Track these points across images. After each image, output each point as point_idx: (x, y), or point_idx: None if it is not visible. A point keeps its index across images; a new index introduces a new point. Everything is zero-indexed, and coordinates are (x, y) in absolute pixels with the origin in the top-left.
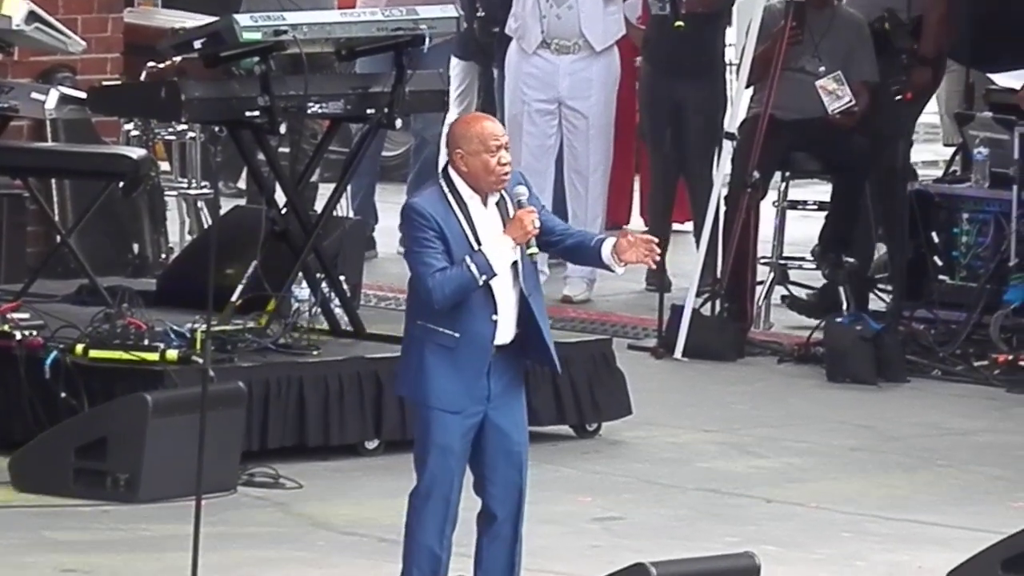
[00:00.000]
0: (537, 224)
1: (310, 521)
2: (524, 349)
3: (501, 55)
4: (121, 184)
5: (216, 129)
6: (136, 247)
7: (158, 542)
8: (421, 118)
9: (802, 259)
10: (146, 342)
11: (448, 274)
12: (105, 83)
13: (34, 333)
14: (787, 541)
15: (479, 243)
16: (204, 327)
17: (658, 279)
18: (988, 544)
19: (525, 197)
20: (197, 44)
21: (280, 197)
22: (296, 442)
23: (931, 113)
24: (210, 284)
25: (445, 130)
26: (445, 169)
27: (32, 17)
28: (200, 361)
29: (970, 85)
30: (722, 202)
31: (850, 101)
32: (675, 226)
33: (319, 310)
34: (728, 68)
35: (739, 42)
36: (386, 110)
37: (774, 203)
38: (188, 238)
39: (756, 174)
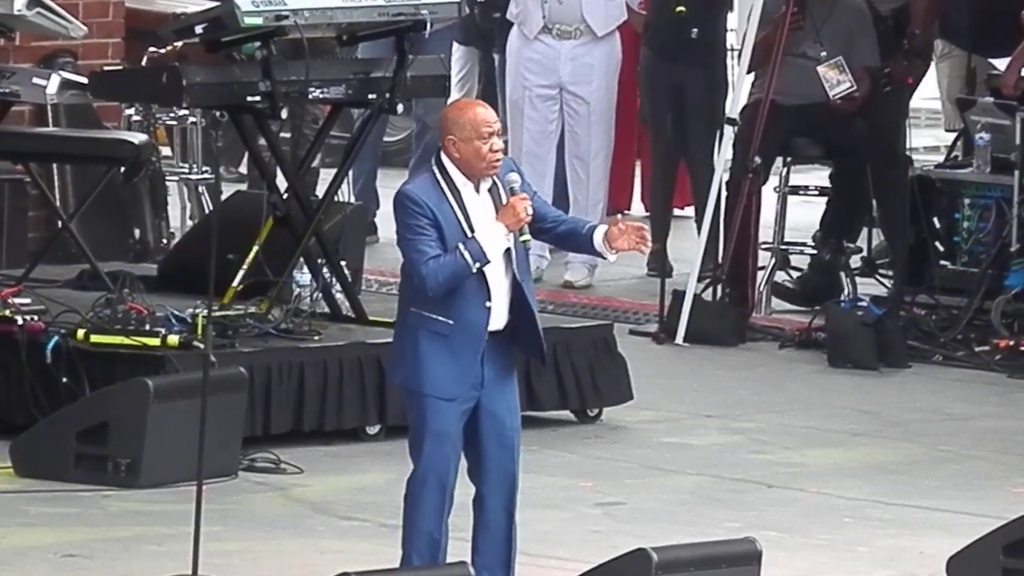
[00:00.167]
0: (530, 211)
1: (311, 506)
2: (514, 336)
3: (502, 40)
4: (122, 169)
5: (217, 114)
6: (137, 232)
7: (159, 527)
8: (423, 103)
9: (803, 244)
10: (147, 327)
11: (442, 261)
12: (106, 68)
13: (35, 318)
14: (788, 526)
15: (472, 230)
16: (205, 312)
17: (659, 264)
18: (989, 529)
19: (518, 184)
20: (198, 29)
21: (281, 182)
22: (297, 427)
23: (932, 98)
24: (211, 269)
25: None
26: (438, 155)
27: (33, 2)
28: (201, 346)
29: (971, 70)
30: (723, 187)
31: (851, 86)
32: (676, 211)
33: (320, 295)
34: (729, 53)
35: (740, 27)
36: (387, 95)
37: (775, 188)
38: (189, 223)
39: (757, 159)
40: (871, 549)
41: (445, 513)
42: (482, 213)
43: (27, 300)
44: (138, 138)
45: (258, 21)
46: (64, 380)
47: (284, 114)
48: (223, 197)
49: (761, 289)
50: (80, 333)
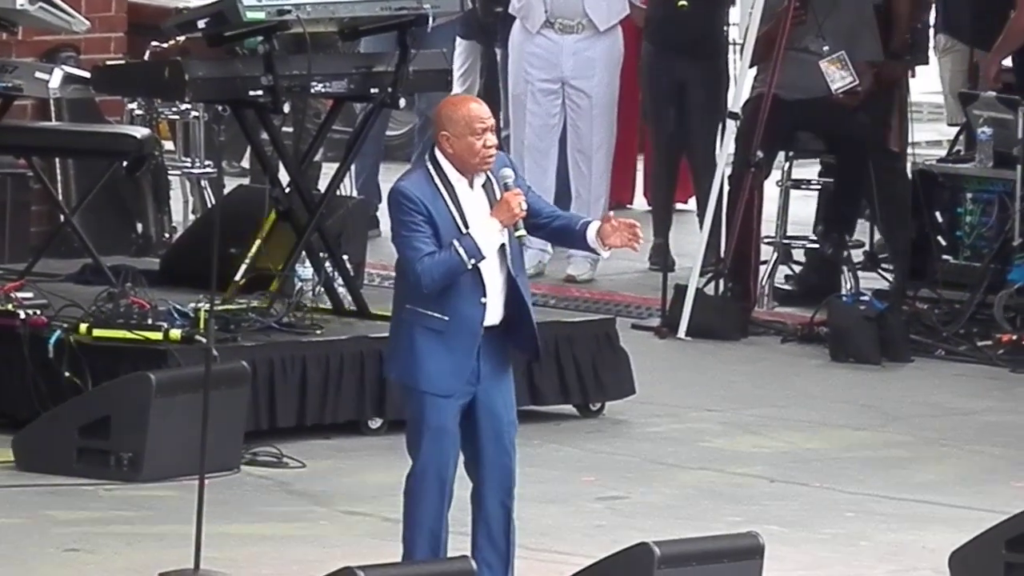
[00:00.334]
0: (524, 206)
1: (313, 500)
2: (508, 332)
3: (504, 35)
4: (125, 163)
5: (220, 108)
6: (140, 226)
7: (161, 521)
8: (425, 97)
9: (805, 238)
10: (150, 321)
11: (437, 258)
12: (109, 62)
13: (38, 312)
14: (791, 521)
15: (467, 225)
16: (207, 306)
17: (662, 259)
18: (992, 524)
19: (511, 179)
20: (200, 23)
21: (284, 176)
22: (299, 421)
23: (935, 93)
24: (214, 263)
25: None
26: (432, 151)
27: None
28: (203, 340)
29: (974, 64)
30: (725, 182)
31: (854, 81)
32: (678, 205)
33: (322, 289)
34: (731, 48)
35: (743, 22)
36: (390, 89)
37: (777, 183)
38: (191, 217)
39: (760, 154)
40: (873, 543)
41: (445, 508)
42: (476, 209)
43: (29, 294)
44: (140, 132)
45: (260, 15)
46: (66, 374)
47: (286, 108)
48: (225, 191)
49: (763, 283)
50: (82, 327)
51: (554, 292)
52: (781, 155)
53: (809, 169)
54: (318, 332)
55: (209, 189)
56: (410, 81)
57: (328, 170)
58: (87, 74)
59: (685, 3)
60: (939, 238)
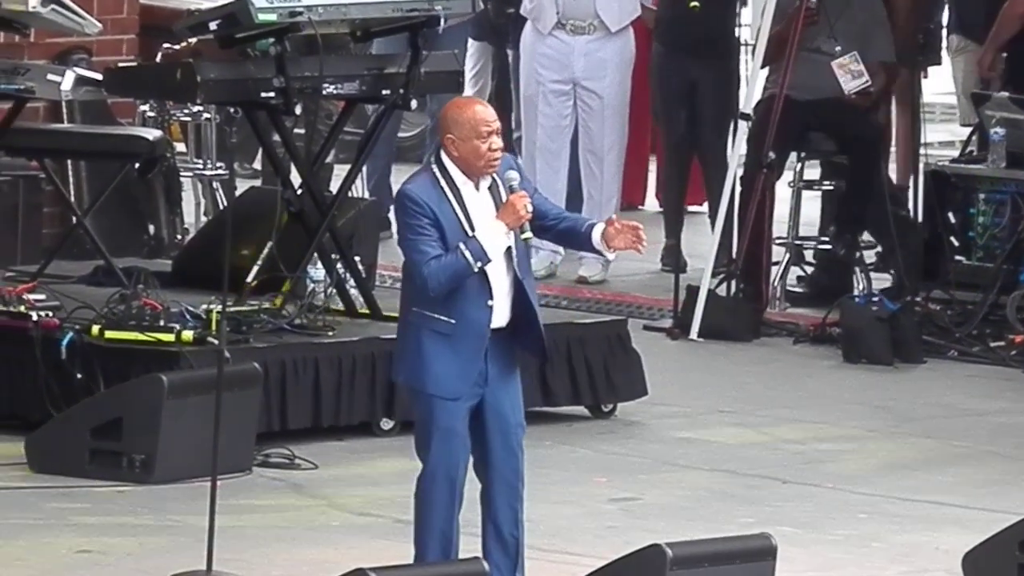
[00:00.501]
0: (530, 208)
1: (325, 502)
2: (515, 334)
3: (516, 36)
4: (137, 165)
5: (231, 110)
6: (152, 228)
7: (173, 523)
8: (437, 99)
9: (817, 239)
10: (162, 323)
11: (443, 262)
12: (121, 65)
13: (50, 314)
14: (804, 522)
15: (473, 228)
16: (220, 308)
17: (674, 260)
18: (1005, 525)
19: (517, 182)
20: (212, 25)
21: (295, 178)
22: (312, 423)
23: (947, 93)
24: (225, 265)
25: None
26: (438, 154)
27: None
28: (216, 342)
29: None
30: (737, 182)
31: (866, 81)
32: (690, 207)
33: (334, 291)
34: (743, 48)
35: (755, 22)
36: (401, 91)
37: (789, 183)
38: (203, 219)
39: (772, 154)
40: (886, 545)
41: (456, 509)
42: (482, 211)
43: (42, 296)
44: (152, 134)
45: (272, 17)
46: (79, 376)
47: (298, 110)
48: (237, 193)
49: (775, 284)
50: (95, 329)
51: (566, 293)
52: (793, 156)
53: (816, 170)
54: (330, 334)
55: (221, 191)
56: (422, 82)
57: (340, 171)
58: (99, 76)
59: (697, 3)
60: (952, 239)
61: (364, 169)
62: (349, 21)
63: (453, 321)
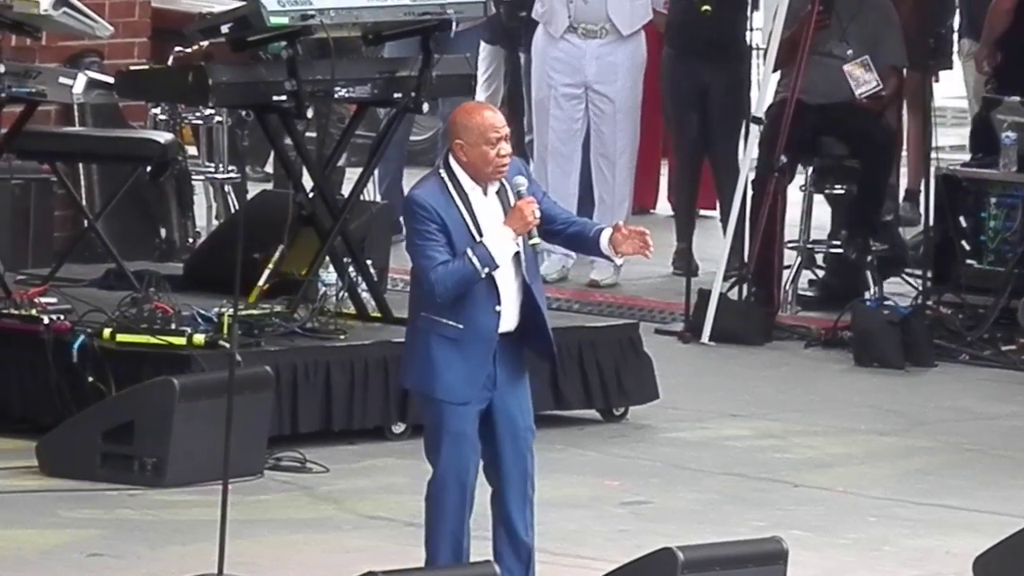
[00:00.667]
0: (537, 214)
1: (336, 505)
2: (524, 338)
3: (528, 39)
4: (148, 168)
5: (243, 113)
6: (163, 231)
7: (185, 526)
8: (449, 102)
9: (829, 243)
10: (173, 326)
11: (450, 267)
12: (132, 68)
13: (62, 317)
14: (815, 526)
15: (480, 233)
16: (231, 311)
17: (685, 263)
18: (1017, 528)
19: (524, 187)
20: (224, 28)
21: (307, 181)
22: (323, 426)
23: (959, 97)
24: (237, 268)
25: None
26: (446, 159)
27: (60, 2)
28: (227, 345)
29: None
30: (749, 186)
31: (877, 85)
32: (701, 211)
33: (346, 294)
34: (756, 52)
35: (766, 26)
36: (413, 94)
37: (801, 187)
38: (215, 222)
39: (783, 158)
40: (897, 548)
41: (466, 513)
42: (490, 216)
43: (53, 299)
44: (164, 137)
45: (284, 20)
46: (90, 379)
47: (310, 113)
48: (249, 196)
49: (787, 288)
50: (106, 332)
51: (577, 297)
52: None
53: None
54: (342, 337)
55: (233, 194)
56: (433, 86)
57: (352, 175)
58: (111, 79)
59: (708, 7)
60: (963, 243)
61: (376, 173)
62: (361, 24)
63: (461, 326)
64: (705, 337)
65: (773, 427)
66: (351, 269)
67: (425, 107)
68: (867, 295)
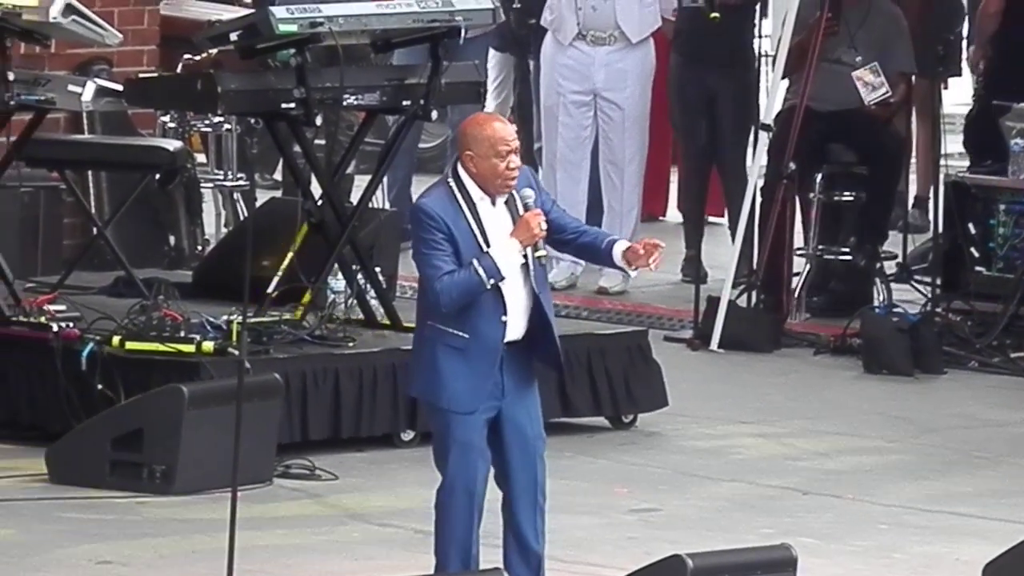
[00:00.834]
0: (544, 227)
1: (346, 512)
2: (531, 347)
3: (537, 46)
4: (157, 176)
5: (252, 121)
6: (172, 239)
7: (194, 533)
8: (458, 110)
9: (838, 250)
10: (182, 334)
11: (456, 278)
12: (141, 75)
13: (71, 325)
14: (824, 533)
15: (488, 244)
16: (240, 319)
17: (694, 270)
18: None
19: (532, 200)
20: (233, 36)
21: (316, 189)
22: (332, 434)
23: (968, 104)
24: (246, 276)
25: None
26: (455, 168)
27: (69, 10)
28: (236, 353)
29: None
30: (758, 193)
31: (886, 92)
32: (711, 218)
33: (355, 302)
34: (764, 59)
35: (775, 33)
36: (422, 102)
37: (810, 195)
38: (224, 230)
39: (792, 165)
40: (907, 556)
41: (475, 521)
42: (498, 227)
43: (62, 307)
44: (173, 145)
45: (293, 28)
46: (99, 387)
47: (318, 121)
48: (258, 204)
49: (796, 295)
50: (115, 340)
51: (586, 304)
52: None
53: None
54: (350, 344)
55: (242, 202)
56: (442, 93)
57: (360, 182)
58: (120, 87)
59: (717, 15)
60: (972, 249)
61: (384, 180)
62: (370, 32)
63: (467, 336)
64: (714, 344)
65: (782, 434)
66: (360, 276)
67: (434, 114)
68: (876, 302)
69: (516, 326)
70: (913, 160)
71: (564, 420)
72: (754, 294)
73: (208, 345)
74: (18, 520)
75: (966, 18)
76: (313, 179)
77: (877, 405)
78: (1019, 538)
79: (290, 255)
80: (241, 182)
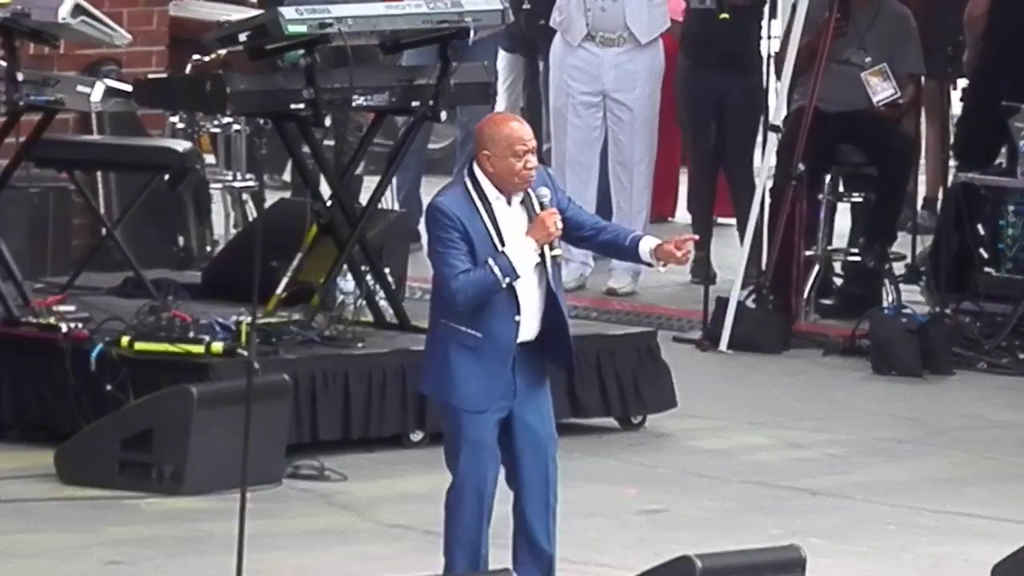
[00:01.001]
0: (560, 226)
1: (355, 513)
2: (544, 347)
3: (547, 48)
4: (166, 177)
5: (261, 122)
6: (181, 240)
7: (203, 534)
8: (467, 111)
9: (847, 251)
10: (191, 334)
11: (471, 276)
12: (150, 76)
13: (80, 326)
14: (833, 534)
15: (503, 243)
16: (249, 319)
17: (703, 271)
18: None
19: (548, 199)
20: (242, 37)
21: (325, 190)
22: (341, 434)
23: None
24: (255, 276)
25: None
26: (471, 167)
27: (78, 10)
28: (245, 353)
29: None
30: (767, 194)
31: (895, 93)
32: (720, 219)
33: (364, 302)
34: (771, 60)
35: (793, 35)
36: (431, 103)
37: (820, 195)
38: (233, 231)
39: (801, 166)
40: (916, 556)
41: (485, 521)
42: (513, 226)
43: (71, 308)
44: (182, 146)
45: (302, 29)
46: (108, 387)
47: (328, 122)
48: (267, 205)
49: (805, 296)
50: (124, 340)
51: (595, 305)
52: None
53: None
54: (360, 345)
55: (251, 202)
56: (451, 94)
57: (369, 183)
58: (129, 87)
59: (727, 15)
60: (981, 251)
61: (394, 181)
62: (379, 33)
63: (480, 335)
64: (723, 345)
65: (791, 435)
66: (369, 277)
67: (443, 115)
68: (885, 303)
69: (529, 326)
70: (922, 161)
71: (573, 421)
72: (763, 295)
73: (217, 346)
74: (27, 520)
75: None
76: (322, 180)
77: (886, 406)
78: None
79: (299, 256)
80: (250, 183)
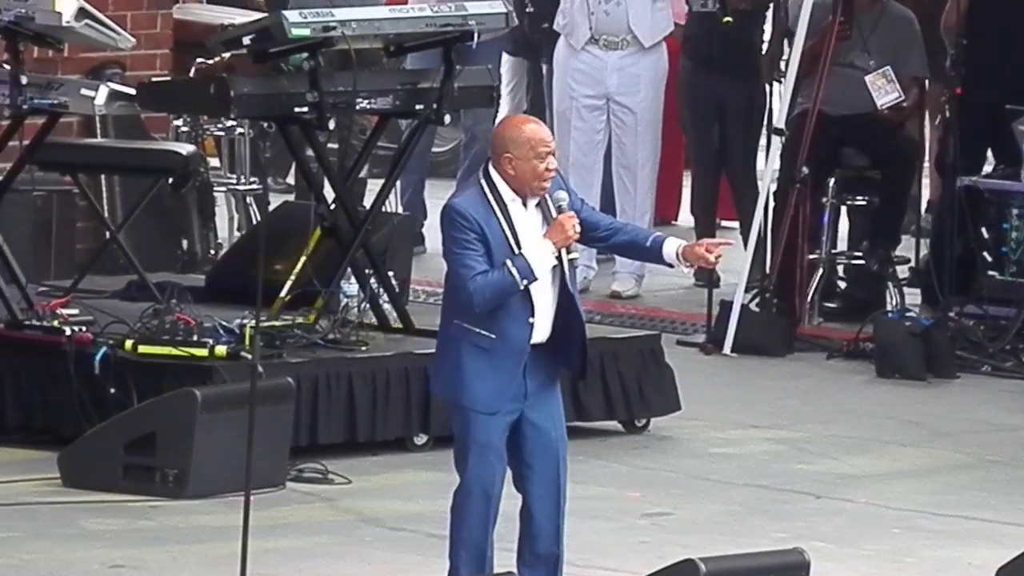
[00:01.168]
0: (578, 229)
1: (359, 516)
2: (556, 350)
3: (550, 51)
4: (170, 180)
5: (265, 125)
6: (185, 243)
7: (207, 537)
8: (471, 114)
9: (851, 255)
10: (195, 338)
11: (489, 278)
12: (154, 79)
13: (83, 329)
14: (837, 537)
15: (519, 245)
16: (253, 323)
17: (707, 275)
18: None
19: (566, 202)
20: (246, 40)
21: (329, 193)
22: (345, 438)
23: None
24: (259, 280)
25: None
26: (486, 169)
27: (82, 14)
28: (249, 357)
29: None
30: (771, 198)
31: (899, 96)
32: (723, 222)
33: (368, 306)
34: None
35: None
36: (435, 106)
37: (823, 199)
38: (237, 234)
39: (805, 170)
40: (919, 560)
41: (491, 524)
42: (529, 228)
43: (75, 311)
44: (186, 149)
45: (306, 32)
46: (112, 391)
47: (331, 125)
48: (271, 208)
49: (809, 299)
50: (128, 344)
51: (599, 308)
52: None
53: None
54: (363, 349)
55: (254, 205)
56: (455, 97)
57: (373, 186)
58: (133, 91)
59: (730, 19)
60: (985, 254)
61: (398, 184)
62: (383, 36)
63: (493, 336)
64: (727, 348)
65: (795, 438)
66: (373, 281)
67: (447, 118)
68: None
69: (542, 328)
70: (926, 164)
71: (577, 424)
72: (767, 298)
73: (221, 349)
74: (31, 524)
75: None
76: (326, 183)
77: (890, 409)
78: None
79: (303, 259)
80: (254, 186)
